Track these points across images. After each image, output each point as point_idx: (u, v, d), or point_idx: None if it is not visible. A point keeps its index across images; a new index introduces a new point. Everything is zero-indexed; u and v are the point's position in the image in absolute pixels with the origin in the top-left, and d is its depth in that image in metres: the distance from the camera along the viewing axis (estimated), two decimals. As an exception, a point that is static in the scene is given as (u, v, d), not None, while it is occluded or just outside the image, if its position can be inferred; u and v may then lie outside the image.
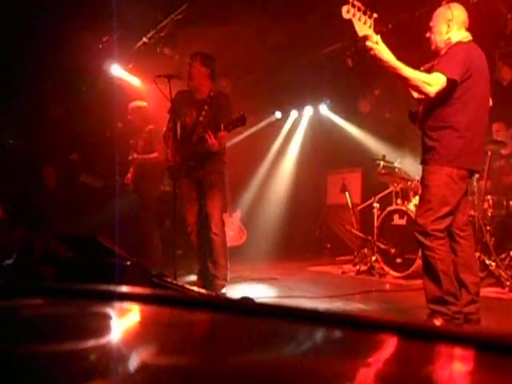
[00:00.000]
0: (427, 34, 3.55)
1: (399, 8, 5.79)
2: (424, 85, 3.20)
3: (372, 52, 3.16)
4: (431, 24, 3.53)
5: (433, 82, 3.20)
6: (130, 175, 6.48)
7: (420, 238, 3.37)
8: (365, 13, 3.09)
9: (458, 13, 3.49)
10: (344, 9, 3.06)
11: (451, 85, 3.25)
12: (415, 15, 5.81)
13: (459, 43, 3.40)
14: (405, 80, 3.24)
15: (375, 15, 3.12)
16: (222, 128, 4.42)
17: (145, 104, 6.63)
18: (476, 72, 3.33)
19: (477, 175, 5.59)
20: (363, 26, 3.10)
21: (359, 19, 3.08)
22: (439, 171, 3.35)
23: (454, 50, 3.37)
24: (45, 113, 7.60)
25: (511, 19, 5.55)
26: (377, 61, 3.20)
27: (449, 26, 3.45)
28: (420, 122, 3.53)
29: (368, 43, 3.14)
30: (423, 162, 3.49)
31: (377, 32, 3.16)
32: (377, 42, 3.16)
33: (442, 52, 3.45)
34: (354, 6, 3.05)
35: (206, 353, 0.63)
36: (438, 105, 3.34)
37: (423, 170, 3.49)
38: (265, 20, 6.13)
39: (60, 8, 5.71)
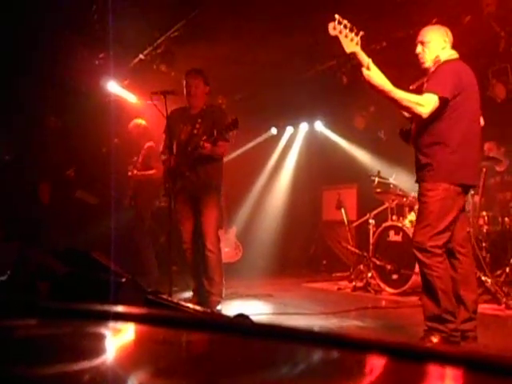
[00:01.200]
0: (418, 49, 3.54)
1: (392, 26, 5.84)
2: (416, 106, 3.23)
3: (363, 78, 3.21)
4: (424, 39, 3.52)
5: (425, 103, 3.23)
6: (130, 192, 6.51)
7: (418, 255, 3.37)
8: (351, 30, 3.13)
9: (448, 32, 3.55)
10: (330, 26, 3.10)
11: (443, 103, 3.27)
12: (414, 31, 5.86)
13: (447, 62, 3.44)
14: (397, 102, 3.26)
15: (362, 33, 3.17)
16: (215, 134, 4.42)
17: (143, 122, 6.69)
18: (466, 88, 3.36)
19: (472, 191, 5.63)
20: (350, 43, 3.15)
21: (346, 36, 3.12)
22: (436, 187, 3.37)
23: (443, 69, 3.40)
24: (41, 128, 7.60)
25: (504, 37, 5.61)
26: (368, 85, 3.24)
27: (445, 41, 3.49)
28: (413, 140, 3.54)
29: (364, 71, 3.19)
30: (419, 179, 3.50)
31: (369, 50, 3.21)
32: (368, 67, 3.20)
33: (431, 70, 3.48)
34: (340, 23, 3.09)
35: (201, 373, 0.63)
36: (430, 122, 3.36)
37: (420, 187, 3.50)
38: (260, 37, 6.17)
39: (57, 24, 5.74)
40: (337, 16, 3.10)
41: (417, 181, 3.54)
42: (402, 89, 3.29)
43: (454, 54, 3.51)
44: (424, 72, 3.56)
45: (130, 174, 6.52)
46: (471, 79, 3.45)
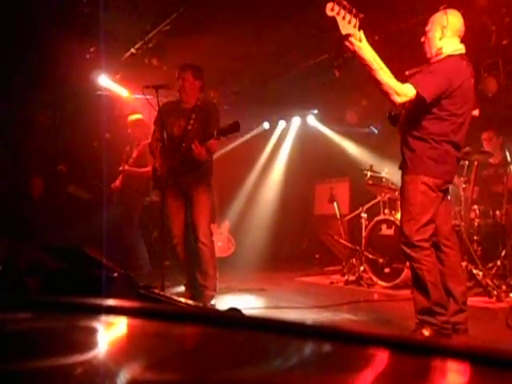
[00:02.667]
0: (422, 39, 3.53)
1: (383, 20, 5.83)
2: (393, 93, 3.16)
3: (352, 47, 3.12)
4: (426, 28, 3.51)
5: (402, 93, 3.17)
6: (117, 182, 6.48)
7: (406, 249, 3.39)
8: (350, 11, 3.04)
9: (454, 20, 3.46)
10: (328, 6, 3.01)
11: (418, 101, 3.23)
12: (406, 25, 5.86)
13: (448, 58, 3.39)
14: (377, 83, 3.20)
15: (361, 15, 3.08)
16: (215, 134, 4.42)
17: (141, 116, 6.66)
18: (459, 90, 3.31)
19: (463, 185, 5.66)
20: (347, 25, 3.05)
21: (343, 18, 3.03)
22: (415, 180, 3.39)
23: (438, 67, 3.35)
24: (32, 123, 7.56)
25: (495, 31, 5.62)
26: (357, 58, 3.16)
27: (442, 32, 3.42)
28: (399, 129, 3.55)
29: (351, 39, 3.09)
30: (402, 171, 3.53)
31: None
32: (360, 39, 3.14)
33: (432, 60, 3.46)
34: (339, 3, 3.00)
35: (194, 367, 0.63)
36: (418, 116, 3.36)
37: (402, 180, 3.54)
38: (252, 31, 6.15)
39: (47, 18, 5.69)
40: None
41: (399, 169, 3.58)
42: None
43: (459, 49, 3.44)
44: (427, 60, 3.51)
45: (120, 168, 6.49)
46: (465, 79, 3.39)
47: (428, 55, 3.50)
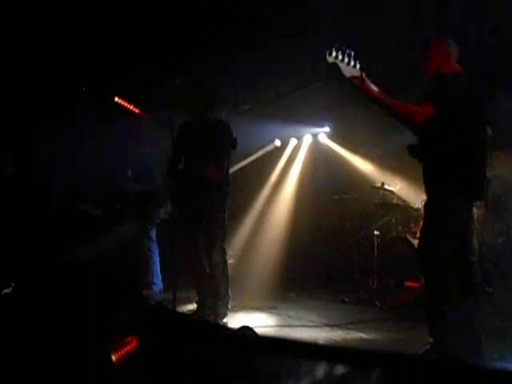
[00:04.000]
0: (423, 59, 3.58)
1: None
2: (411, 114, 3.26)
3: (360, 89, 3.22)
4: (428, 50, 3.58)
5: (419, 112, 3.26)
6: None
7: (423, 266, 3.38)
8: (349, 55, 3.15)
9: (455, 48, 3.57)
10: (327, 55, 3.12)
11: (433, 114, 3.27)
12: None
13: (449, 75, 3.44)
14: (393, 113, 3.28)
15: (360, 59, 3.19)
16: (218, 159, 4.48)
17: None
18: (465, 104, 3.36)
19: (478, 202, 5.62)
20: (351, 69, 3.16)
21: (346, 63, 3.14)
22: (440, 199, 3.38)
23: (441, 83, 3.40)
24: (45, 142, 7.64)
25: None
26: (367, 95, 3.25)
27: (448, 54, 3.52)
28: (421, 152, 3.55)
29: (355, 82, 3.19)
30: (426, 189, 3.53)
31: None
32: (362, 78, 3.21)
33: (433, 81, 3.49)
34: (337, 50, 3.11)
35: (206, 386, 0.63)
36: (435, 135, 3.37)
37: (428, 197, 3.53)
38: (263, 48, 6.20)
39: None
40: (336, 45, 3.12)
41: (425, 191, 3.58)
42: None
43: (456, 69, 3.51)
44: (429, 81, 3.57)
45: (133, 185, 6.55)
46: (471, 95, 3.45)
47: (429, 75, 3.55)
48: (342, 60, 3.11)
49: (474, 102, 3.46)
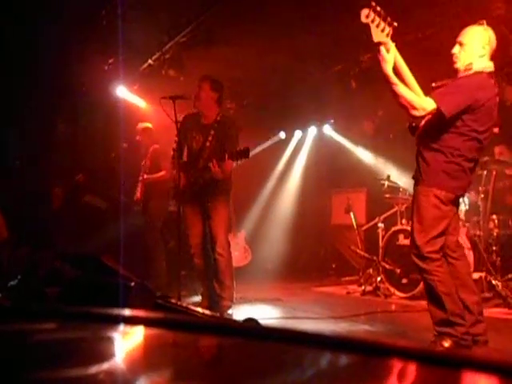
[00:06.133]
0: (455, 49, 3.39)
1: (400, 29, 5.82)
2: (410, 107, 3.16)
3: (379, 57, 3.12)
4: (463, 41, 3.37)
5: (420, 107, 3.17)
6: (138, 194, 6.53)
7: (417, 261, 3.39)
8: (384, 19, 3.01)
9: (493, 39, 3.41)
10: (363, 12, 2.99)
11: (438, 115, 3.22)
12: (417, 36, 5.85)
13: (476, 74, 3.33)
14: (395, 96, 3.20)
15: (395, 24, 3.04)
16: (227, 158, 4.46)
17: (150, 125, 6.73)
18: (483, 108, 3.27)
19: (481, 195, 5.60)
20: (380, 33, 3.04)
21: (377, 25, 3.01)
22: (428, 192, 3.37)
23: (464, 83, 3.32)
24: (51, 134, 7.65)
25: (514, 41, 5.58)
26: (380, 67, 3.17)
27: (484, 48, 3.35)
28: (416, 140, 3.53)
29: (381, 47, 3.08)
30: (414, 181, 3.53)
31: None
32: (388, 50, 3.11)
33: (459, 75, 3.39)
34: (374, 11, 2.98)
35: (211, 377, 0.63)
36: (437, 128, 3.34)
37: (414, 191, 3.52)
38: (268, 41, 6.18)
39: (66, 31, 5.78)
40: (373, 3, 2.98)
41: (413, 178, 3.58)
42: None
43: (488, 67, 3.36)
44: (454, 72, 3.44)
45: (140, 178, 6.56)
46: (491, 97, 3.33)
47: (456, 66, 3.39)
48: (373, 21, 2.99)
49: (490, 108, 3.35)
